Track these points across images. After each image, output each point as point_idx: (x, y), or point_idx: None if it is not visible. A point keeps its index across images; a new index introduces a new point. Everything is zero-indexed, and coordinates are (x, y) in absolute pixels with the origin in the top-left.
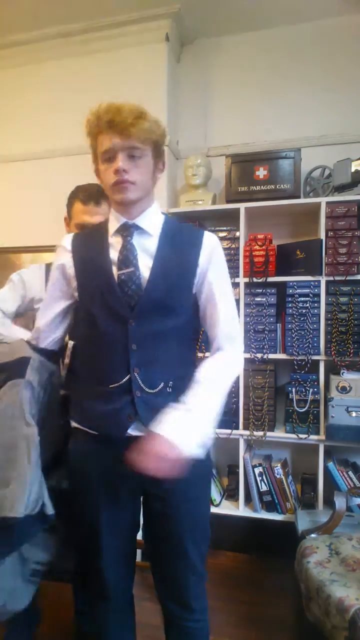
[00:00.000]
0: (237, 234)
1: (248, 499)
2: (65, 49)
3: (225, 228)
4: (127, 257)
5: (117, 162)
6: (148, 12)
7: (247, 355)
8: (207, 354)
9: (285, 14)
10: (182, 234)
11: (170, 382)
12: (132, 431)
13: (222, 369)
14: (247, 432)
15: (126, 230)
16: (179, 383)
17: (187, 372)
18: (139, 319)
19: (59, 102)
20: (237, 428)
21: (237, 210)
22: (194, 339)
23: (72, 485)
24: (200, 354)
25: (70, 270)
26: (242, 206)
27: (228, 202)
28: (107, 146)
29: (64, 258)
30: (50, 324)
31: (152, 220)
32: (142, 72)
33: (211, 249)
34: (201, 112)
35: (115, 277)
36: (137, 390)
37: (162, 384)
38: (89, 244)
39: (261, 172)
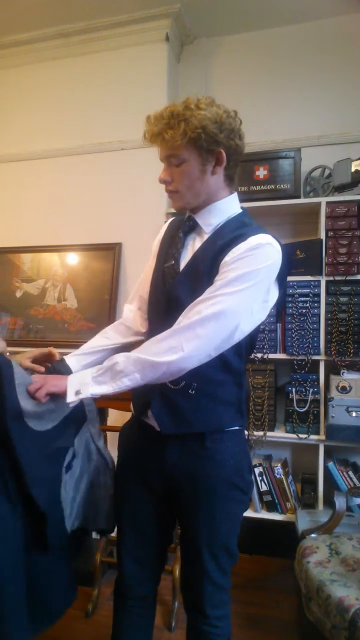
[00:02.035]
0: None
1: None
2: (65, 49)
3: None
4: (171, 250)
5: (161, 173)
6: (148, 12)
7: None
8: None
9: (285, 13)
10: (231, 233)
11: (194, 384)
12: (146, 418)
13: (160, 340)
14: (247, 432)
15: (184, 225)
16: (208, 388)
17: (224, 378)
18: (169, 313)
19: (59, 102)
20: None
21: None
22: (236, 345)
23: (118, 456)
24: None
25: (155, 252)
26: (242, 206)
27: None
28: (159, 157)
29: (157, 239)
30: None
31: (210, 217)
32: (142, 72)
33: (248, 250)
34: None
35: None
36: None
37: (184, 383)
38: (170, 231)
39: (261, 172)
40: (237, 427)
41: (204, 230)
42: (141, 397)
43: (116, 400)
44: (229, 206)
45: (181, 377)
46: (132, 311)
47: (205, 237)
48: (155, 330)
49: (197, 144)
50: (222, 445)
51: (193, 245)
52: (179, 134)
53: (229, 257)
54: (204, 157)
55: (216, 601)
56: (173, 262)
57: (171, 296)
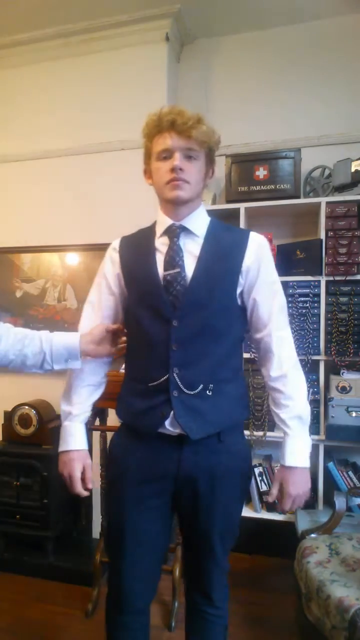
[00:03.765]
0: None
1: (248, 499)
2: (65, 49)
3: None
4: (173, 258)
5: (175, 160)
6: (148, 12)
7: (247, 355)
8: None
9: (285, 13)
10: (227, 235)
11: (211, 385)
12: (163, 429)
13: (295, 376)
14: (247, 432)
15: (173, 232)
16: (221, 386)
17: (231, 375)
18: (181, 320)
19: (59, 102)
20: None
21: (237, 210)
22: (239, 342)
23: (108, 476)
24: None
25: (119, 272)
26: (242, 206)
27: (228, 202)
28: (167, 145)
29: (113, 260)
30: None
31: (198, 222)
32: (142, 72)
33: (258, 248)
34: (201, 112)
35: (161, 277)
36: (174, 390)
37: (201, 386)
38: (136, 246)
39: (261, 172)
40: (244, 420)
41: (195, 235)
42: (149, 413)
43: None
44: (205, 211)
45: (197, 381)
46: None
47: (201, 241)
48: (156, 336)
49: (209, 150)
50: (235, 437)
51: (191, 250)
52: (207, 134)
53: (250, 259)
54: (206, 165)
55: (220, 584)
56: (178, 269)
57: (185, 301)
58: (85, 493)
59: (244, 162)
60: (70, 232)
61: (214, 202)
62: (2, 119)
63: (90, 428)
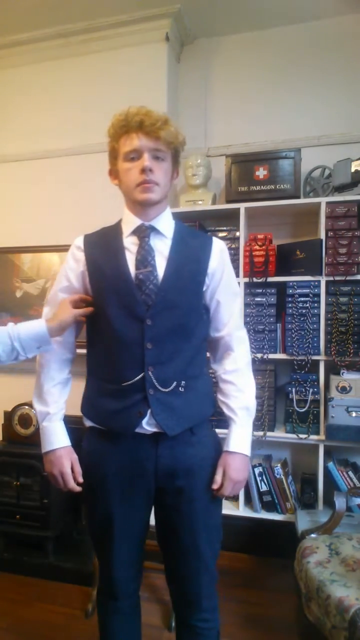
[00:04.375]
0: (237, 234)
1: (248, 499)
2: (65, 49)
3: (225, 228)
4: (145, 257)
5: (144, 161)
6: (148, 12)
7: None
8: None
9: (285, 14)
10: (193, 238)
11: (183, 382)
12: (140, 429)
13: (247, 372)
14: None
15: (143, 232)
16: (191, 383)
17: (198, 372)
18: (155, 318)
19: (59, 102)
20: None
21: (237, 210)
22: (204, 341)
23: (86, 483)
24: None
25: (83, 269)
26: (242, 206)
27: (228, 202)
28: (135, 146)
29: (77, 258)
30: (67, 330)
31: (166, 223)
32: (142, 72)
33: (221, 253)
34: (201, 112)
35: (133, 277)
36: (150, 389)
37: (174, 383)
38: (103, 244)
39: (261, 172)
40: (211, 415)
41: (164, 236)
42: (124, 413)
43: None
44: (170, 213)
45: (171, 378)
46: (71, 336)
47: (169, 242)
48: (130, 335)
49: (176, 151)
50: (205, 430)
51: (161, 251)
52: (174, 135)
53: (215, 262)
54: (172, 166)
55: (210, 592)
56: (150, 268)
57: (157, 300)
58: (78, 488)
59: (244, 162)
60: (70, 232)
61: (214, 202)
62: (2, 119)
63: None
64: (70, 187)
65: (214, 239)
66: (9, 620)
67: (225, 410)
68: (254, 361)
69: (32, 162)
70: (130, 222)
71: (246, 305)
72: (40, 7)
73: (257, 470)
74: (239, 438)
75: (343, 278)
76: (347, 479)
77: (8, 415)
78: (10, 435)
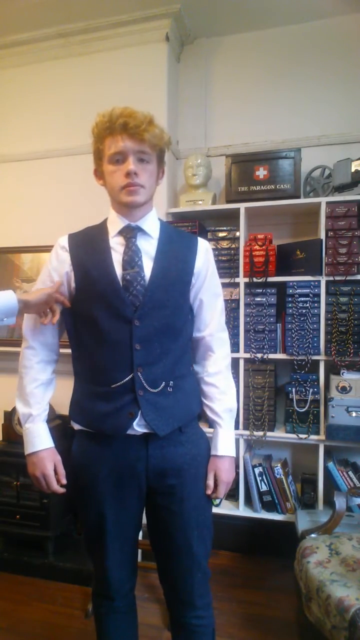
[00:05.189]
0: (237, 234)
1: (248, 499)
2: (65, 49)
3: (225, 228)
4: (132, 258)
5: (129, 164)
6: (148, 12)
7: (247, 355)
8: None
9: (285, 13)
10: (178, 238)
11: (171, 382)
12: (130, 430)
13: (228, 374)
14: (247, 432)
15: (130, 232)
16: (179, 382)
17: (185, 372)
18: (143, 319)
19: (59, 102)
20: (237, 428)
21: (237, 210)
22: (190, 340)
23: (77, 486)
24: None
25: (68, 270)
26: (242, 206)
27: (228, 202)
28: (119, 148)
29: (61, 259)
30: (50, 331)
31: (152, 224)
32: (142, 72)
33: (206, 253)
34: (201, 112)
35: (120, 277)
36: (139, 390)
37: (163, 383)
38: (89, 244)
39: (261, 172)
40: (199, 412)
41: (150, 236)
42: (115, 415)
43: None
44: (156, 213)
45: (160, 379)
46: (55, 337)
47: (155, 242)
48: (118, 336)
49: (160, 152)
50: (193, 429)
51: (147, 251)
52: (159, 136)
53: (200, 263)
54: (158, 167)
55: (203, 590)
56: (137, 269)
57: (145, 301)
58: (61, 490)
59: (244, 162)
60: (70, 232)
61: (214, 202)
62: (2, 119)
63: None
64: (70, 187)
65: (199, 238)
66: (9, 620)
67: (209, 413)
68: (253, 361)
69: (33, 162)
70: (117, 222)
71: (246, 305)
72: (40, 7)
73: (257, 470)
74: (226, 441)
75: (343, 278)
76: (347, 479)
77: (8, 415)
78: (10, 435)
